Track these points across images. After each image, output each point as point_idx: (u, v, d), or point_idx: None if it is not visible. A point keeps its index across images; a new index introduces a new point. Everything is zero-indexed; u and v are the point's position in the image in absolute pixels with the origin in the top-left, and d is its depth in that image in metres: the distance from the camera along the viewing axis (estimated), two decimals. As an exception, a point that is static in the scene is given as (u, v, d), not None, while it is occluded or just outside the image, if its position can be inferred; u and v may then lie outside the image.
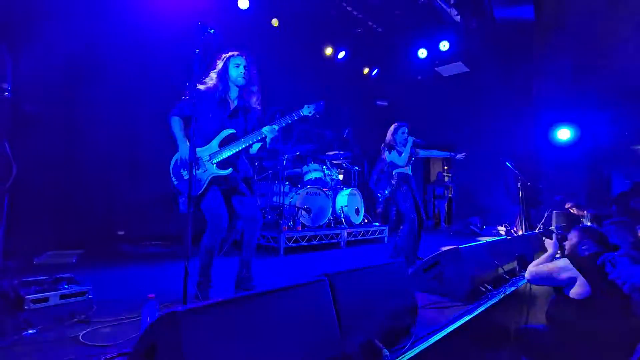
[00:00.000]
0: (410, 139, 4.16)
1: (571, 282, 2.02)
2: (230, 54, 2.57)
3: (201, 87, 2.52)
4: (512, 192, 7.33)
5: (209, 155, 2.45)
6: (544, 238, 2.63)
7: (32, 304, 2.16)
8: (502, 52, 7.79)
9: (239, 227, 2.74)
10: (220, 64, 2.56)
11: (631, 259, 1.75)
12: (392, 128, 4.27)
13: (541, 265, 2.27)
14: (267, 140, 2.47)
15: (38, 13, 4.11)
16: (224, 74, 2.54)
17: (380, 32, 7.87)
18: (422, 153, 4.45)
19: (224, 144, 2.47)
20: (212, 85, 2.52)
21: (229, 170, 2.46)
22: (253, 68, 2.63)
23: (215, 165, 2.44)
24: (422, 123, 5.02)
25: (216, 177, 2.44)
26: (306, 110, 2.50)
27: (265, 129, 2.43)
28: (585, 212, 6.04)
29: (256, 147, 2.58)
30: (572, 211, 5.97)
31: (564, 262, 2.11)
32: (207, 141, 2.48)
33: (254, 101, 2.69)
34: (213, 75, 2.54)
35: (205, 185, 2.40)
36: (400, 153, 4.14)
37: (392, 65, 8.88)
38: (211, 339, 1.00)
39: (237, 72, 2.54)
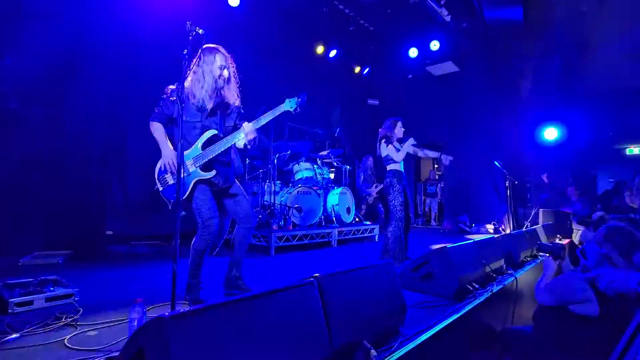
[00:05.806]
0: (410, 140, 4.04)
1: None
2: (206, 49, 2.38)
3: (186, 83, 2.38)
4: (501, 190, 7.45)
5: (193, 158, 2.38)
6: (541, 258, 2.46)
7: (16, 307, 2.13)
8: (491, 52, 7.91)
9: (229, 227, 2.70)
10: (197, 62, 2.39)
11: (607, 260, 1.80)
12: (388, 122, 4.15)
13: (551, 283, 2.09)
14: (247, 138, 2.35)
15: (24, 11, 4.01)
16: (200, 74, 2.40)
17: (372, 31, 7.89)
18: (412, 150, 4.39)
19: (206, 146, 2.40)
20: (189, 88, 2.40)
21: (212, 173, 2.39)
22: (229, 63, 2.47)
23: (199, 168, 2.38)
24: (413, 122, 5.05)
25: (202, 179, 2.38)
26: (287, 105, 2.32)
27: (246, 126, 2.33)
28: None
29: (241, 142, 2.45)
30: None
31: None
32: (190, 144, 2.40)
33: (233, 96, 2.55)
34: (192, 77, 2.41)
35: (190, 188, 2.34)
36: (397, 148, 4.02)
37: (383, 64, 8.93)
38: (199, 345, 1.00)
39: (212, 69, 2.39)
